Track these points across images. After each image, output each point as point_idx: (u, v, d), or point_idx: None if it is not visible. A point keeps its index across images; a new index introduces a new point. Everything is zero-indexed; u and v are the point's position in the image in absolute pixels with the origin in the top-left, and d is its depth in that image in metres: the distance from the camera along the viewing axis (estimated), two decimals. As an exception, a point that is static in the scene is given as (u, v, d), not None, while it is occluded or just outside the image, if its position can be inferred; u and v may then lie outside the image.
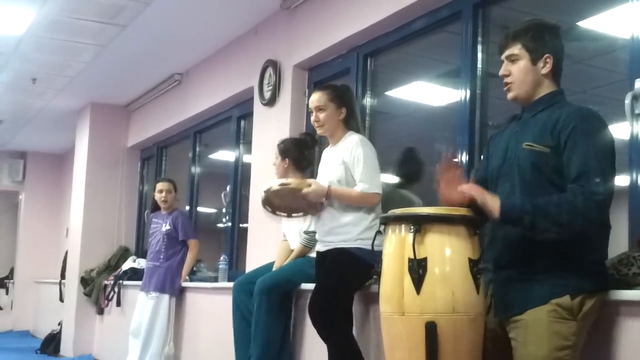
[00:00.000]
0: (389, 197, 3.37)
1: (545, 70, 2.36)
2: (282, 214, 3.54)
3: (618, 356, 2.25)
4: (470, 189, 2.34)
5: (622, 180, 2.75)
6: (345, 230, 3.24)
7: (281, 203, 3.43)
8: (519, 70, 2.36)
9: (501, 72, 2.41)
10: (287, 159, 3.99)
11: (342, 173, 3.27)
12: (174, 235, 5.60)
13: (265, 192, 3.36)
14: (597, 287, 2.22)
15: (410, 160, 4.13)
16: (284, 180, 3.41)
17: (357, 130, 3.39)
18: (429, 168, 4.07)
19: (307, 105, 4.64)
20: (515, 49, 2.37)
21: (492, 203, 2.27)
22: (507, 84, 2.41)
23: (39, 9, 5.14)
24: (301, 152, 4.02)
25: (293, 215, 3.56)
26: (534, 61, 2.35)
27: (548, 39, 2.36)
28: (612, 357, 2.26)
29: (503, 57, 2.41)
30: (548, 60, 2.35)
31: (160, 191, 5.69)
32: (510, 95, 2.42)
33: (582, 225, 2.17)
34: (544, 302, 2.19)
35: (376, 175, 3.25)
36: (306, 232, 3.83)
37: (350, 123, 3.39)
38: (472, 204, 2.38)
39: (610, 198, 2.20)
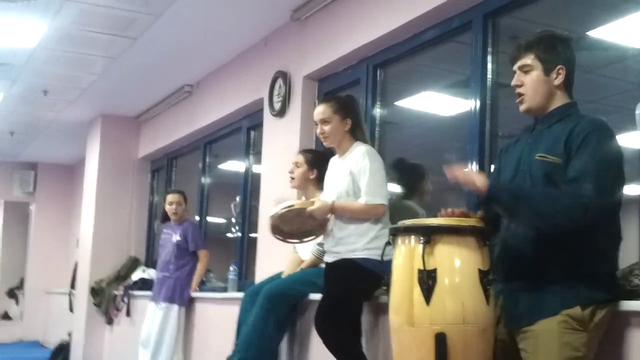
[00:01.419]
0: (395, 208, 3.36)
1: (558, 82, 2.35)
2: (294, 240, 3.53)
3: (629, 367, 2.23)
4: (455, 175, 2.33)
5: (632, 190, 2.75)
6: (352, 241, 3.23)
7: (291, 228, 3.40)
8: (531, 81, 2.36)
9: (514, 82, 2.41)
10: (315, 170, 3.92)
11: (350, 184, 3.27)
12: (184, 246, 5.61)
13: (271, 218, 3.34)
14: (608, 297, 2.21)
15: (411, 172, 4.10)
16: (287, 203, 3.37)
17: (364, 141, 3.40)
18: (439, 178, 4.07)
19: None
20: (528, 60, 2.36)
21: (480, 181, 2.27)
22: (519, 95, 2.40)
23: (51, 22, 5.18)
24: (324, 166, 3.98)
25: (304, 240, 3.54)
26: (547, 72, 2.35)
27: (561, 50, 2.36)
28: (623, 368, 2.25)
29: (515, 67, 2.41)
30: (561, 71, 2.35)
31: (171, 203, 5.70)
32: (523, 107, 2.40)
33: (562, 224, 2.17)
34: (555, 313, 2.18)
35: (381, 186, 3.24)
36: (319, 244, 3.81)
37: (357, 133, 3.39)
38: (483, 214, 2.38)
39: (613, 209, 2.21)
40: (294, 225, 3.39)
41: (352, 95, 3.65)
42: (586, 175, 2.15)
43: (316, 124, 3.42)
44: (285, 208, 3.31)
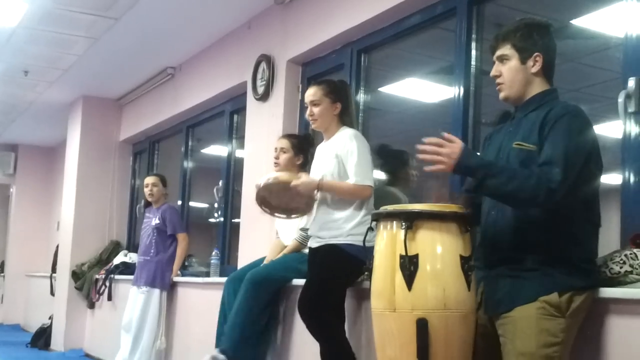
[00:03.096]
0: (378, 195, 3.37)
1: (535, 69, 2.37)
2: (281, 215, 3.53)
3: (607, 353, 2.26)
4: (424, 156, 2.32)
5: (614, 179, 2.77)
6: (336, 226, 3.23)
7: (279, 203, 3.40)
8: (509, 70, 2.39)
9: (492, 73, 2.44)
10: (301, 155, 3.91)
11: (335, 167, 3.26)
12: (163, 230, 5.60)
13: (257, 188, 3.34)
14: (585, 284, 2.23)
15: (394, 159, 4.11)
16: (273, 175, 3.39)
17: (351, 126, 3.39)
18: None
19: (302, 99, 4.64)
20: (505, 49, 2.39)
21: (454, 148, 2.26)
22: (498, 84, 2.43)
23: (32, 1, 5.11)
24: (309, 151, 3.95)
25: (292, 216, 3.54)
26: (524, 60, 2.37)
27: (537, 38, 2.38)
28: (601, 354, 2.27)
29: (494, 58, 2.43)
30: (538, 59, 2.37)
31: (147, 185, 5.73)
32: (501, 95, 2.44)
33: (525, 203, 2.21)
34: (532, 300, 2.20)
35: (368, 169, 3.25)
36: (302, 229, 3.80)
37: (344, 118, 3.39)
38: (466, 199, 2.39)
39: (591, 195, 2.23)
40: (282, 200, 3.39)
41: (344, 80, 3.64)
42: (555, 160, 2.17)
43: (306, 106, 3.41)
44: (270, 179, 3.31)
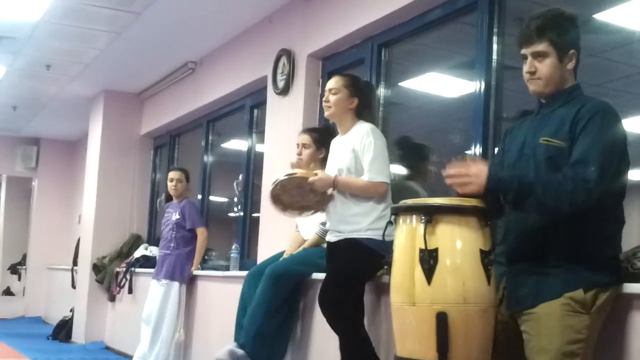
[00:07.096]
0: (397, 189, 3.36)
1: (571, 66, 2.33)
2: (292, 212, 3.52)
3: (631, 349, 2.24)
4: (451, 179, 2.31)
5: (635, 175, 2.74)
6: (355, 220, 3.23)
7: (291, 200, 3.40)
8: (547, 68, 2.31)
9: (527, 69, 2.34)
10: (323, 149, 3.87)
11: (352, 161, 3.26)
12: (183, 224, 5.64)
13: (272, 185, 3.34)
14: (610, 281, 2.21)
15: (413, 153, 4.09)
16: (290, 171, 3.39)
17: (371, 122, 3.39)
18: (442, 160, 4.06)
19: (322, 94, 4.64)
20: (542, 46, 2.30)
21: (480, 166, 2.26)
22: (532, 78, 2.34)
23: (55, -4, 5.16)
24: (329, 143, 3.93)
25: (303, 214, 3.53)
26: (561, 58, 2.31)
27: (572, 33, 2.33)
28: (625, 350, 2.26)
29: (527, 52, 2.33)
30: (573, 56, 2.32)
31: (171, 180, 5.75)
32: (534, 90, 2.36)
33: (567, 210, 2.16)
34: (557, 296, 2.18)
35: (384, 165, 3.25)
36: (323, 223, 3.79)
37: (365, 116, 3.39)
38: (486, 194, 2.37)
39: (617, 192, 2.20)
40: (294, 197, 3.39)
41: (371, 83, 3.63)
42: (590, 158, 2.14)
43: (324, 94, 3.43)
44: (287, 175, 3.32)
